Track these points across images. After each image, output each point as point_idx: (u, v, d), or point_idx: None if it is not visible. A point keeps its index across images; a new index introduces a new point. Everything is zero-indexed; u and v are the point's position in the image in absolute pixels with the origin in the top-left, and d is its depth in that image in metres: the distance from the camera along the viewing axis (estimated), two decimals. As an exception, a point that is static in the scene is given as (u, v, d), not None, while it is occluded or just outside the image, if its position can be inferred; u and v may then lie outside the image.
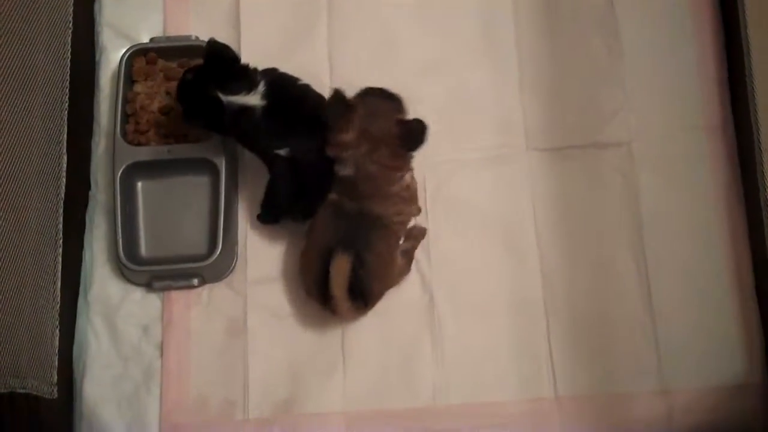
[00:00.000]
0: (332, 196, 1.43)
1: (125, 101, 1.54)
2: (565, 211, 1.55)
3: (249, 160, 1.55)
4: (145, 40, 1.61)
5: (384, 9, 1.64)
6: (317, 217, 1.44)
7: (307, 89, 1.48)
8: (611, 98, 1.59)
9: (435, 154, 1.56)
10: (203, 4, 1.65)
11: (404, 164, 1.44)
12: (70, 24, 1.51)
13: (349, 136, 1.38)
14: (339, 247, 1.36)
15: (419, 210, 1.53)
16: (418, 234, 1.53)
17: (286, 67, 1.57)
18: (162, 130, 1.53)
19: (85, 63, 1.61)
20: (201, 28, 1.60)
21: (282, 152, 1.43)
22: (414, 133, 1.38)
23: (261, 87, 1.41)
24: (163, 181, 1.55)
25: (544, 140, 1.59)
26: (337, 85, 1.50)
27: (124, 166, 1.50)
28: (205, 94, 1.39)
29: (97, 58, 1.63)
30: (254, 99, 1.41)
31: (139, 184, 1.55)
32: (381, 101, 1.43)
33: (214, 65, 1.40)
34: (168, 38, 1.60)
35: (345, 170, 1.41)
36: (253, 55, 1.57)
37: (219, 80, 1.39)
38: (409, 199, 1.50)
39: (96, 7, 1.65)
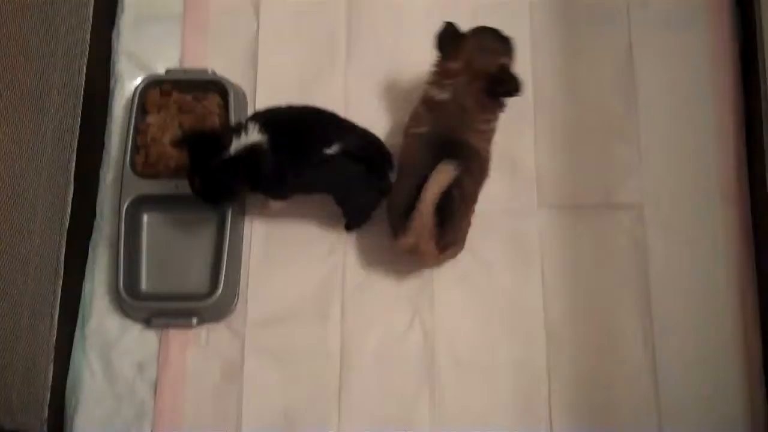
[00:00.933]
0: (422, 128, 1.45)
1: (137, 132, 1.53)
2: (573, 270, 1.53)
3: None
4: (161, 70, 1.60)
5: (401, 50, 1.63)
6: (406, 149, 1.46)
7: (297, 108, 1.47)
8: (625, 158, 1.57)
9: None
10: (222, 37, 1.64)
11: (493, 107, 1.45)
12: (86, 50, 1.51)
13: (455, 65, 1.42)
14: (443, 162, 1.36)
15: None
16: None
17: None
18: (172, 163, 1.52)
19: (100, 91, 1.60)
20: (218, 62, 1.60)
21: (331, 151, 1.41)
22: (505, 81, 1.40)
23: (251, 125, 1.39)
24: (169, 215, 1.54)
25: (555, 197, 1.57)
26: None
27: (130, 198, 1.49)
28: (214, 164, 1.38)
29: (111, 86, 1.62)
30: (253, 136, 1.38)
31: (145, 217, 1.53)
32: (492, 40, 1.44)
33: (200, 144, 1.40)
34: (184, 71, 1.60)
35: (441, 95, 1.43)
36: (268, 92, 1.60)
37: (212, 146, 1.38)
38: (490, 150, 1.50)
39: (114, 34, 1.64)
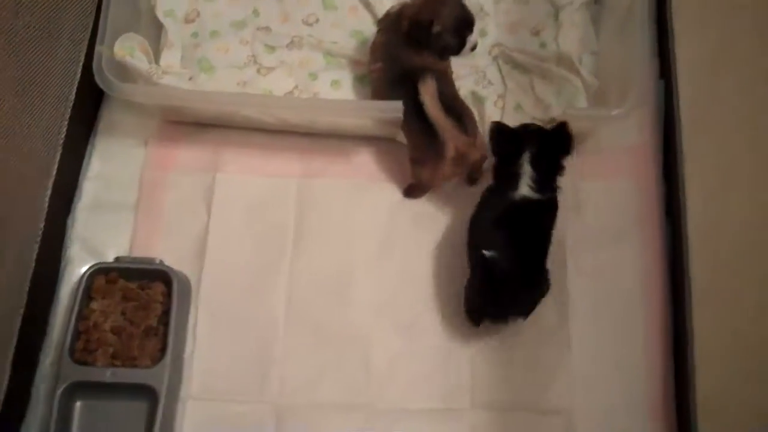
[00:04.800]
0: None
1: (79, 318, 1.55)
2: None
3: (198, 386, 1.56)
4: (111, 257, 1.64)
5: (346, 250, 1.68)
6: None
7: None
8: (556, 366, 1.60)
9: (379, 400, 1.58)
10: (173, 228, 1.70)
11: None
12: (38, 239, 1.55)
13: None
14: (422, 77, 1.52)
15: None
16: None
17: (243, 299, 1.64)
18: (111, 350, 1.53)
19: (49, 276, 1.64)
20: (167, 251, 1.64)
21: (488, 254, 1.49)
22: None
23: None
24: (101, 403, 1.53)
25: (489, 399, 1.59)
26: (292, 322, 1.61)
27: (66, 384, 1.49)
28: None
29: (61, 270, 1.66)
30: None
31: (78, 404, 1.53)
32: None
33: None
34: (133, 259, 1.64)
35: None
36: (213, 282, 1.65)
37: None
38: None
39: (69, 221, 1.70)
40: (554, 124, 1.57)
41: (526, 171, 1.53)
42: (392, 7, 1.71)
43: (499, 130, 1.58)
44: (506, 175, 1.56)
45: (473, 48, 1.67)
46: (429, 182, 1.68)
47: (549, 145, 1.55)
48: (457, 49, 1.66)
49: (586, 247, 1.67)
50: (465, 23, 1.65)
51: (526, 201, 1.53)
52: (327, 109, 1.67)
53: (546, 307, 1.62)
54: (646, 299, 1.63)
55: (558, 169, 1.56)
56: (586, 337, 1.62)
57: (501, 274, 1.49)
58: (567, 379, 1.59)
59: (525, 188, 1.53)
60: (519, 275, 1.51)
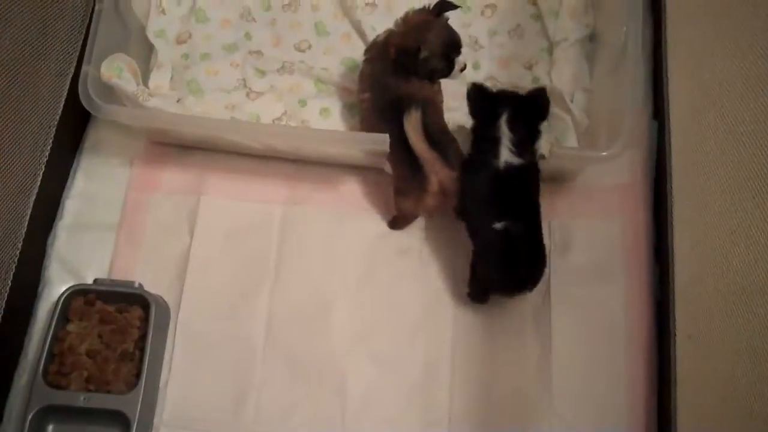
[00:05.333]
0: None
1: (55, 340, 1.54)
2: None
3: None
4: (91, 278, 1.63)
5: (327, 279, 1.66)
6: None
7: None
8: (538, 402, 1.58)
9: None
10: (154, 250, 1.68)
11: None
12: (15, 260, 1.54)
13: None
14: (407, 108, 1.52)
15: None
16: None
17: (222, 326, 1.63)
18: (85, 373, 1.51)
19: (27, 296, 1.63)
20: (146, 276, 1.63)
21: (498, 226, 1.49)
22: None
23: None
24: (74, 427, 1.52)
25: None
26: (270, 351, 1.60)
27: (38, 408, 1.47)
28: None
29: (39, 290, 1.64)
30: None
31: (50, 428, 1.52)
32: None
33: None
34: (111, 281, 1.62)
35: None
36: (192, 307, 1.63)
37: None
38: None
39: (50, 239, 1.68)
40: (531, 89, 1.61)
41: (505, 133, 1.53)
42: (378, 35, 1.70)
43: (477, 90, 1.58)
44: (485, 140, 1.56)
45: (462, 69, 1.66)
46: (412, 214, 1.67)
47: (526, 109, 1.56)
48: (447, 72, 1.65)
49: (572, 283, 1.65)
50: (452, 46, 1.64)
51: (509, 168, 1.52)
52: (313, 139, 1.66)
53: (529, 344, 1.61)
54: (631, 339, 1.61)
55: (535, 133, 1.56)
56: (569, 375, 1.59)
57: (515, 244, 1.50)
58: (549, 417, 1.57)
59: (506, 153, 1.52)
60: (528, 244, 1.53)
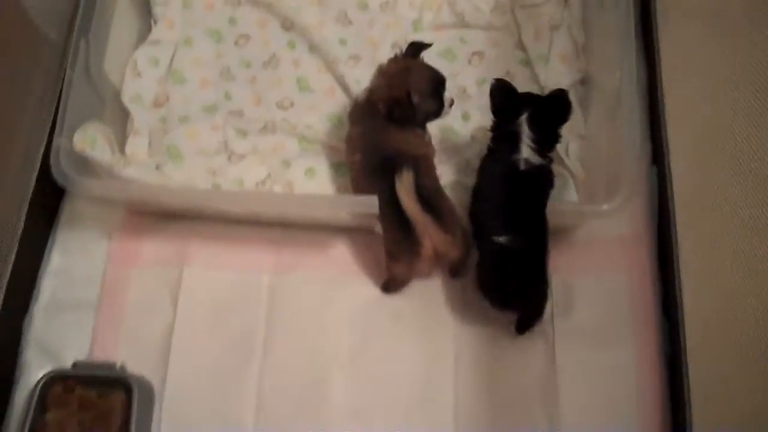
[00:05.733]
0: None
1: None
2: None
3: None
4: (70, 361, 1.53)
5: (320, 351, 1.58)
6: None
7: None
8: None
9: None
10: (136, 327, 1.59)
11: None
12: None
13: None
14: (399, 169, 1.45)
15: None
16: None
17: (209, 407, 1.53)
18: (65, 464, 1.43)
19: (3, 383, 1.54)
20: (129, 355, 1.55)
21: (502, 240, 1.45)
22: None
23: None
24: None
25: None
26: (262, 430, 1.50)
27: None
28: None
29: (17, 376, 1.55)
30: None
31: None
32: None
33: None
34: (92, 364, 1.53)
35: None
36: (177, 385, 1.54)
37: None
38: None
39: (25, 322, 1.60)
40: (553, 90, 1.56)
41: (525, 131, 1.49)
42: (357, 96, 1.64)
43: (500, 86, 1.54)
44: (505, 137, 1.51)
45: (451, 104, 1.59)
46: (404, 278, 1.59)
47: (547, 109, 1.52)
48: (439, 110, 1.59)
49: (578, 347, 1.56)
50: (438, 82, 1.58)
51: (529, 166, 1.48)
52: (299, 204, 1.58)
53: (534, 413, 1.52)
54: (642, 405, 1.52)
55: (556, 135, 1.53)
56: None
57: (512, 262, 1.47)
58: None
59: (526, 150, 1.48)
60: (528, 263, 1.48)
